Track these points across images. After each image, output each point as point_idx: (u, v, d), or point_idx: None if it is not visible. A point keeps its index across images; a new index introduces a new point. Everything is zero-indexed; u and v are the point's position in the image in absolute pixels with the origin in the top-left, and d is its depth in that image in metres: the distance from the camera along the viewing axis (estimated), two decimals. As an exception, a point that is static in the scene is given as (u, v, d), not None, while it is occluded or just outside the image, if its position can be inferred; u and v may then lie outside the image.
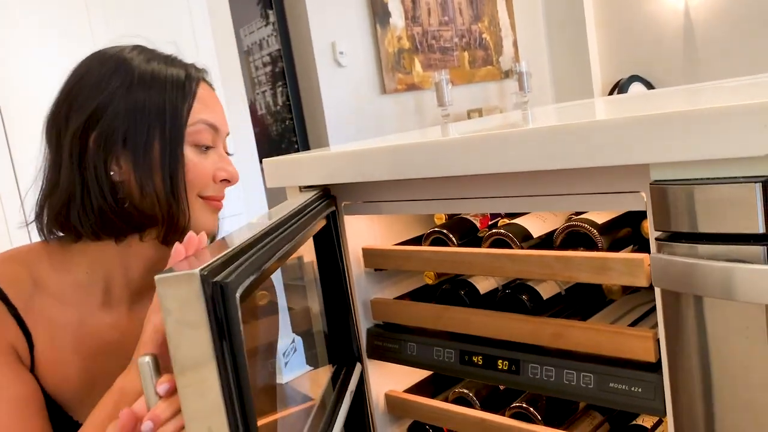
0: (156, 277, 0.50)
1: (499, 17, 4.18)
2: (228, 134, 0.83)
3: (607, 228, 0.82)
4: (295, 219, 0.75)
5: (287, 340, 2.58)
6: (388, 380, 1.04)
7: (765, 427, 0.60)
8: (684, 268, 0.60)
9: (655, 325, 0.70)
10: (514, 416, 0.91)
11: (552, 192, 0.74)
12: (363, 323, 1.01)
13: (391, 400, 1.02)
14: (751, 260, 0.56)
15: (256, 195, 2.65)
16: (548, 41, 4.42)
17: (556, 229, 0.87)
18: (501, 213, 1.02)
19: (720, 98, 0.72)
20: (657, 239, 0.63)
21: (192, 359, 0.50)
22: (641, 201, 0.66)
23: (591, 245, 0.82)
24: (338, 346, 0.98)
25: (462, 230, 0.98)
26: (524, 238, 0.88)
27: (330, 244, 0.95)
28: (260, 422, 0.58)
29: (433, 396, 1.04)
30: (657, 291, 0.66)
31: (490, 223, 1.02)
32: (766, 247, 0.55)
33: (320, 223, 0.88)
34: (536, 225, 0.90)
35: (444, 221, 1.04)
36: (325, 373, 0.99)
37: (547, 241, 0.89)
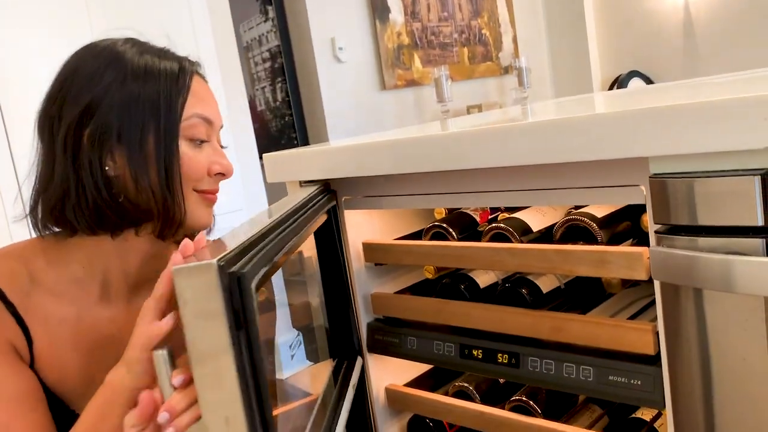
0: (174, 268, 0.50)
1: (499, 13, 4.17)
2: (222, 127, 0.83)
3: (606, 222, 0.82)
4: (301, 213, 0.76)
5: (292, 333, 2.60)
6: (388, 374, 1.04)
7: (763, 418, 0.60)
8: (683, 261, 0.60)
9: (655, 319, 0.70)
10: (513, 409, 0.91)
11: (551, 186, 0.74)
12: (363, 317, 1.01)
13: (391, 394, 1.02)
14: (750, 253, 0.56)
15: (255, 191, 2.65)
16: (548, 37, 4.41)
17: (556, 223, 0.87)
18: (501, 207, 1.03)
19: (719, 92, 0.73)
20: (656, 232, 0.63)
21: (209, 349, 0.50)
22: (641, 194, 0.67)
23: (590, 239, 0.82)
24: (339, 340, 0.98)
25: (462, 224, 0.99)
26: (524, 232, 0.88)
27: (331, 239, 0.95)
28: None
29: (433, 390, 1.05)
30: (656, 284, 0.66)
31: (489, 217, 1.02)
32: (764, 240, 0.56)
33: (322, 218, 0.89)
34: (536, 219, 0.90)
35: (444, 216, 1.04)
36: (326, 367, 0.99)
37: (546, 235, 0.90)
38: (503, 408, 0.92)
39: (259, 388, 0.52)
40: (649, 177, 0.63)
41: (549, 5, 4.37)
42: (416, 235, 1.05)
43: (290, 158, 0.98)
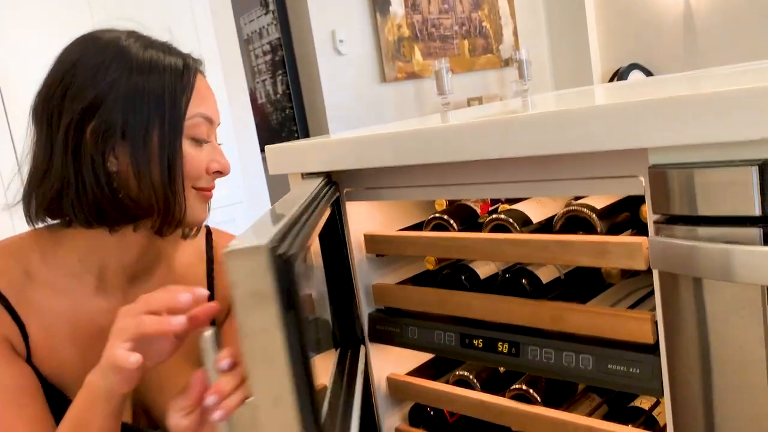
0: (224, 251, 0.51)
1: (499, 5, 4.17)
2: (219, 124, 0.83)
3: (606, 213, 0.83)
4: (316, 202, 0.76)
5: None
6: (389, 364, 1.05)
7: (761, 405, 0.61)
8: (682, 250, 0.61)
9: (653, 308, 0.71)
10: (514, 398, 0.92)
11: (551, 177, 0.75)
12: (365, 308, 1.02)
13: (392, 383, 1.03)
14: (748, 242, 0.57)
15: (256, 183, 2.66)
16: (548, 29, 4.41)
17: (556, 214, 0.88)
18: (501, 199, 1.03)
19: (717, 84, 0.73)
20: (655, 222, 0.64)
21: (260, 329, 0.51)
22: (640, 185, 0.67)
23: (590, 230, 0.83)
24: (343, 330, 0.99)
25: (462, 216, 1.00)
26: (524, 223, 0.89)
27: (334, 230, 0.96)
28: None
29: (434, 379, 1.06)
30: (655, 273, 0.67)
31: (490, 209, 1.03)
32: (762, 229, 0.57)
33: (327, 210, 0.89)
34: (536, 210, 0.91)
35: (444, 207, 1.05)
36: (328, 357, 1.00)
37: (546, 226, 0.91)
38: (503, 396, 0.93)
39: (307, 368, 0.53)
40: (648, 168, 0.63)
41: (549, -3, 4.37)
42: (417, 227, 1.06)
43: (292, 150, 0.98)
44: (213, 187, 0.81)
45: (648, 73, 4.14)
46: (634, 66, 4.13)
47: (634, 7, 4.14)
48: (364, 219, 1.02)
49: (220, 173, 0.80)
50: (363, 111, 3.49)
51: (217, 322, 0.87)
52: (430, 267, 1.02)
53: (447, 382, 1.03)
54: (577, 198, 0.90)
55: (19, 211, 0.78)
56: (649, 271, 0.69)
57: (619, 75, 4.12)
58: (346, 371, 0.90)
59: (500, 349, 0.86)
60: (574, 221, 0.85)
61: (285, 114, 3.82)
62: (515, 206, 0.92)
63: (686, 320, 0.64)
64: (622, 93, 0.92)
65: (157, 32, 0.82)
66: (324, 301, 1.01)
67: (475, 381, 1.00)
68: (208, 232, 0.93)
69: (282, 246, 0.53)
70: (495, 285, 0.95)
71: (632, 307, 0.88)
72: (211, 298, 0.87)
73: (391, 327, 0.99)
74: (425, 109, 3.73)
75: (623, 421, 0.90)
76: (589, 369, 0.78)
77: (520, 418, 0.87)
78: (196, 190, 0.79)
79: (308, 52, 3.41)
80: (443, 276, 1.00)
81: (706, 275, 0.60)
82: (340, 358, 0.96)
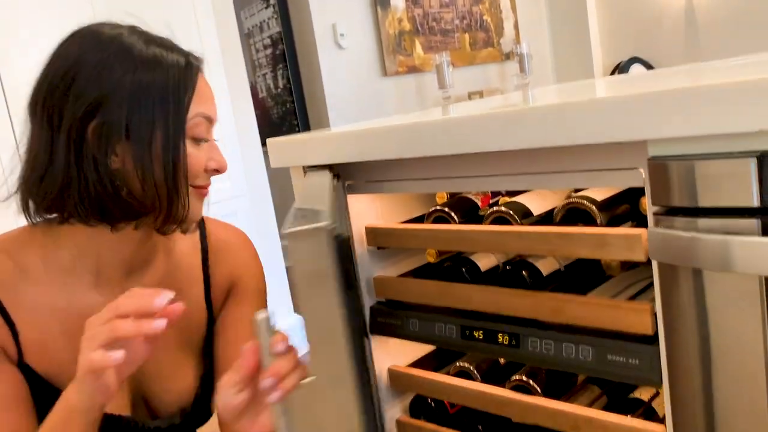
0: (286, 231, 0.51)
1: (500, -1, 4.16)
2: (216, 122, 0.83)
3: (606, 205, 0.84)
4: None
5: (292, 317, 2.57)
6: (390, 356, 1.06)
7: (760, 396, 0.62)
8: (681, 242, 0.61)
9: (653, 300, 0.72)
10: (514, 389, 0.93)
11: (552, 170, 0.76)
12: (366, 300, 1.03)
13: (393, 375, 1.04)
14: (747, 233, 0.58)
15: (257, 177, 2.66)
16: (549, 23, 4.40)
17: (556, 207, 0.88)
18: (502, 191, 1.04)
19: (716, 76, 0.74)
20: (655, 214, 0.65)
21: (321, 309, 0.51)
22: (639, 177, 0.68)
23: (590, 222, 0.83)
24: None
25: (463, 209, 1.00)
26: (524, 215, 0.89)
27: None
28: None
29: (435, 371, 1.06)
30: (654, 265, 0.68)
31: (491, 201, 1.03)
32: (760, 220, 0.57)
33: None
34: (536, 202, 0.91)
35: (445, 200, 1.05)
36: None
37: (547, 219, 0.91)
38: (504, 388, 0.94)
39: (363, 347, 0.54)
40: (648, 160, 0.64)
41: (550, -9, 4.36)
42: (418, 220, 1.06)
43: (294, 143, 0.99)
44: (209, 184, 0.81)
45: (649, 67, 4.13)
46: (635, 60, 4.13)
47: (635, 0, 4.13)
48: (365, 212, 1.02)
49: (217, 171, 0.80)
50: (364, 105, 3.49)
51: (214, 310, 0.87)
52: (431, 259, 1.03)
53: (448, 374, 1.04)
54: (577, 190, 0.91)
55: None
56: (648, 263, 0.70)
57: (620, 69, 4.12)
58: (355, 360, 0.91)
59: (501, 340, 0.86)
60: (574, 213, 0.85)
61: (286, 108, 3.82)
62: (516, 198, 0.93)
63: (685, 311, 0.65)
64: (622, 86, 0.93)
65: (157, 27, 0.81)
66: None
67: (475, 372, 1.01)
68: (201, 222, 0.93)
69: (338, 228, 0.53)
70: (495, 277, 0.95)
71: (632, 298, 0.88)
72: (207, 287, 0.87)
73: (393, 319, 0.99)
74: (426, 103, 3.73)
75: (623, 412, 0.90)
76: (589, 360, 0.78)
77: (521, 409, 0.88)
78: (194, 188, 0.79)
79: (309, 46, 3.41)
80: (444, 268, 1.00)
81: (705, 266, 0.61)
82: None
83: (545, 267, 0.91)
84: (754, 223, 0.57)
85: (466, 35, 3.99)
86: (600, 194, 0.86)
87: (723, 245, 0.58)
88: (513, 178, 0.80)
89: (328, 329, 0.51)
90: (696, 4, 3.88)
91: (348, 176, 0.97)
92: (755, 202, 0.57)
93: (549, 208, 0.93)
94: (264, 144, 1.55)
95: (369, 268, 1.03)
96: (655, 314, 0.72)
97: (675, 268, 0.65)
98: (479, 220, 0.97)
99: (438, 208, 1.00)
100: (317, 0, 3.33)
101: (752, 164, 0.56)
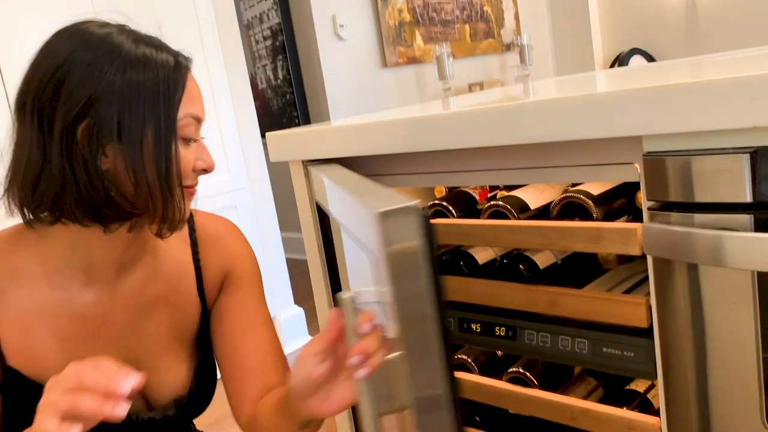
0: (377, 211, 0.52)
1: (501, -11, 4.14)
2: (204, 121, 0.82)
3: (602, 199, 0.84)
4: None
5: (294, 309, 2.61)
6: (389, 348, 1.07)
7: (752, 388, 0.63)
8: (675, 237, 0.62)
9: (648, 293, 0.73)
10: (511, 381, 0.94)
11: (549, 164, 0.76)
12: (365, 293, 1.04)
13: (392, 367, 1.05)
14: (739, 228, 0.59)
15: (258, 169, 2.66)
16: (550, 14, 4.39)
17: (553, 201, 0.89)
18: (499, 185, 1.05)
19: (712, 72, 0.74)
20: (649, 209, 0.65)
21: (412, 288, 0.52)
22: (635, 172, 0.68)
23: (587, 216, 0.84)
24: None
25: (461, 203, 1.01)
26: (522, 209, 0.90)
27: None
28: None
29: (433, 363, 1.07)
30: (649, 259, 0.68)
31: (488, 195, 1.04)
32: (753, 216, 0.58)
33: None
34: (533, 197, 0.92)
35: (444, 194, 1.06)
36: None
37: (544, 213, 0.92)
38: (501, 379, 0.95)
39: (445, 322, 0.55)
40: (643, 155, 0.64)
41: (551, -19, 4.34)
42: (417, 213, 1.07)
43: (293, 138, 0.99)
44: (197, 184, 0.81)
45: (650, 58, 4.12)
46: (635, 51, 4.12)
47: (637, -9, 4.12)
48: (364, 205, 1.03)
49: (206, 171, 0.79)
50: (364, 96, 3.49)
51: (208, 302, 0.88)
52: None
53: (446, 366, 1.04)
54: (574, 184, 0.91)
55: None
56: (644, 257, 0.71)
57: (620, 60, 4.11)
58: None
59: (498, 333, 0.87)
60: (570, 207, 0.86)
61: (285, 99, 3.82)
62: (513, 193, 0.93)
63: (679, 305, 0.66)
64: (619, 81, 0.93)
65: (145, 25, 0.79)
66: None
67: (473, 364, 1.01)
68: (189, 215, 0.93)
69: (423, 208, 0.54)
70: (493, 270, 0.96)
71: (628, 291, 0.89)
72: (200, 280, 0.87)
73: (391, 311, 1.00)
74: (426, 95, 3.73)
75: (619, 404, 0.91)
76: (585, 352, 0.79)
77: (517, 400, 0.89)
78: (183, 188, 0.78)
79: (309, 37, 3.41)
80: (442, 262, 1.01)
81: (699, 261, 0.62)
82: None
83: (542, 260, 0.92)
84: (746, 218, 0.58)
85: (467, 26, 3.98)
86: (597, 188, 0.87)
87: (716, 241, 0.58)
88: (510, 173, 0.80)
89: (419, 306, 0.53)
90: (697, -5, 3.87)
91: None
92: (748, 198, 0.58)
93: (546, 201, 0.93)
94: (264, 136, 1.56)
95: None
96: (650, 307, 0.73)
97: (670, 262, 0.65)
98: (477, 213, 0.98)
99: (436, 201, 1.00)
100: (317, -9, 3.32)
101: (745, 160, 0.57)
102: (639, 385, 0.96)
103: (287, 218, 3.46)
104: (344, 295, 0.59)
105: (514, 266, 0.91)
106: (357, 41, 3.47)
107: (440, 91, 3.44)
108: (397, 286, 0.52)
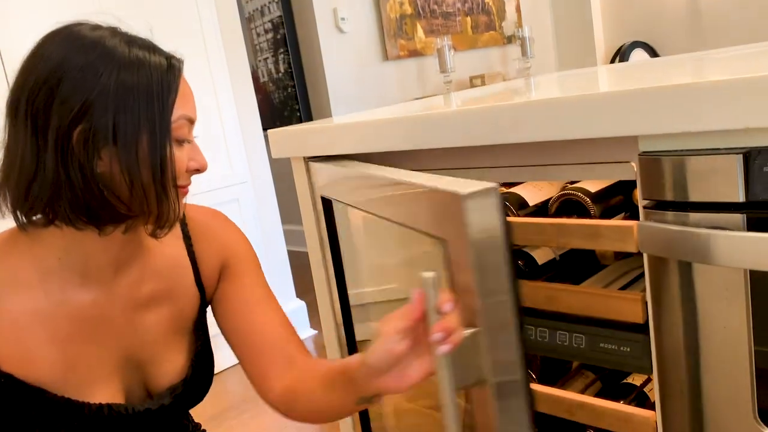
0: (463, 192, 0.53)
1: (502, -18, 4.13)
2: (196, 121, 0.82)
3: (599, 196, 0.86)
4: None
5: (296, 303, 2.62)
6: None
7: (744, 384, 0.64)
8: (669, 235, 0.63)
9: (645, 289, 0.74)
10: (510, 375, 0.95)
11: (547, 162, 0.77)
12: (366, 288, 1.05)
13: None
14: (732, 227, 0.60)
15: (259, 163, 2.68)
16: (551, 6, 4.38)
17: (551, 198, 0.90)
18: (499, 182, 1.06)
19: (710, 71, 0.75)
20: (645, 207, 0.66)
21: (493, 265, 0.54)
22: (631, 171, 0.70)
23: (584, 213, 0.85)
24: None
25: (461, 198, 1.02)
26: (521, 206, 0.91)
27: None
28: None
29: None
30: (644, 256, 0.70)
31: (488, 191, 1.05)
32: (745, 215, 0.59)
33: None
34: (532, 194, 0.93)
35: (444, 190, 1.07)
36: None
37: (542, 209, 0.93)
38: (500, 373, 0.96)
39: (518, 296, 0.57)
40: (639, 155, 0.66)
41: (553, -27, 4.33)
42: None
43: (295, 134, 1.00)
44: (190, 183, 0.81)
45: (651, 51, 4.12)
46: (637, 44, 4.11)
47: (639, -17, 4.11)
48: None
49: (198, 171, 0.80)
50: (365, 89, 3.50)
51: (207, 293, 0.89)
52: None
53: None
54: (572, 182, 0.92)
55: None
56: (641, 253, 0.72)
57: (621, 54, 4.10)
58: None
59: (496, 328, 0.89)
60: (568, 204, 0.87)
61: (287, 93, 3.82)
62: (512, 190, 0.94)
63: (674, 302, 0.67)
64: (618, 79, 0.94)
65: (137, 27, 0.79)
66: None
67: (472, 358, 1.03)
68: None
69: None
70: (492, 266, 0.97)
71: (626, 287, 0.90)
72: (197, 272, 0.88)
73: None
74: (427, 87, 3.73)
75: (616, 398, 0.93)
76: (582, 347, 0.81)
77: (516, 393, 0.90)
78: (176, 188, 0.78)
79: (310, 30, 3.41)
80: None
81: (692, 259, 0.63)
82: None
83: (540, 256, 0.93)
84: (739, 218, 0.59)
85: (468, 18, 3.97)
86: (595, 185, 0.88)
87: (710, 239, 0.60)
88: (509, 170, 0.81)
89: (499, 281, 0.55)
90: (699, -13, 3.86)
91: (348, 167, 0.98)
92: (741, 197, 0.59)
93: (545, 198, 0.94)
94: (265, 129, 1.57)
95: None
96: (646, 303, 0.74)
97: (664, 260, 0.67)
98: (477, 209, 0.99)
99: (436, 197, 1.01)
100: (318, -16, 3.32)
101: (738, 161, 0.58)
102: (636, 379, 0.97)
103: (289, 210, 3.48)
104: (425, 274, 0.60)
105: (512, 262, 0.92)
106: (358, 34, 3.48)
107: (441, 84, 3.44)
108: (478, 268, 0.54)
